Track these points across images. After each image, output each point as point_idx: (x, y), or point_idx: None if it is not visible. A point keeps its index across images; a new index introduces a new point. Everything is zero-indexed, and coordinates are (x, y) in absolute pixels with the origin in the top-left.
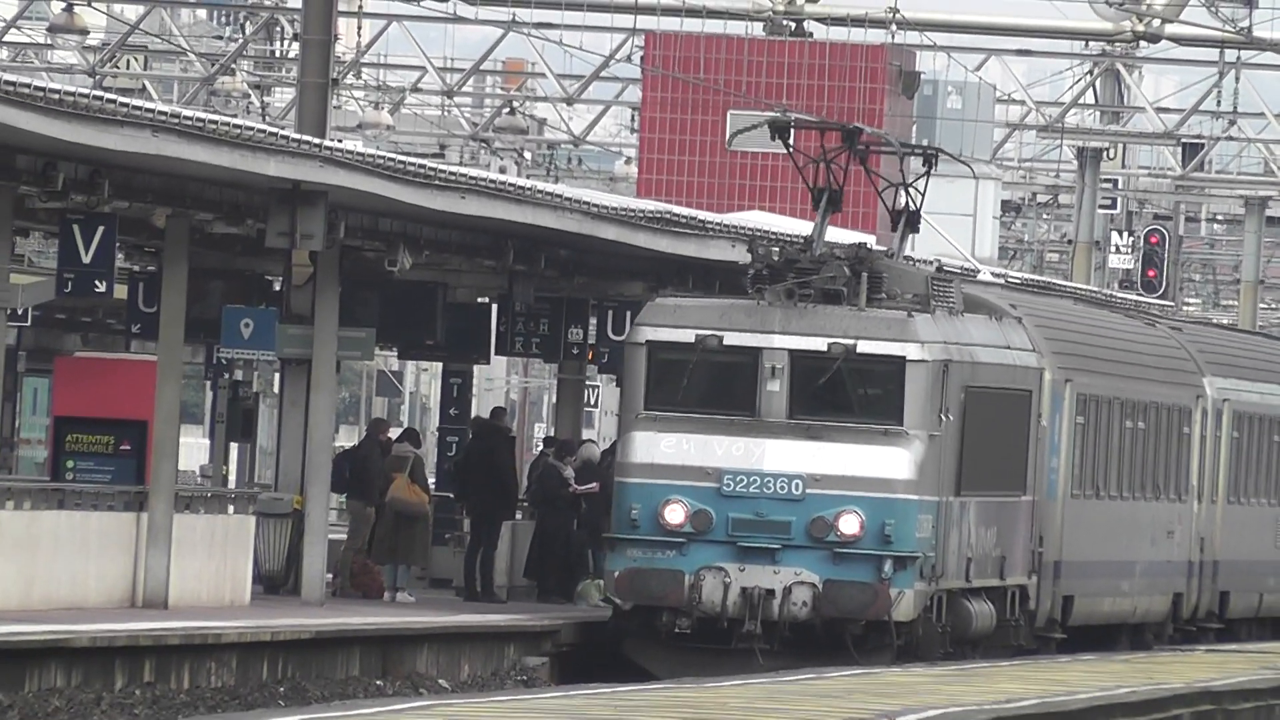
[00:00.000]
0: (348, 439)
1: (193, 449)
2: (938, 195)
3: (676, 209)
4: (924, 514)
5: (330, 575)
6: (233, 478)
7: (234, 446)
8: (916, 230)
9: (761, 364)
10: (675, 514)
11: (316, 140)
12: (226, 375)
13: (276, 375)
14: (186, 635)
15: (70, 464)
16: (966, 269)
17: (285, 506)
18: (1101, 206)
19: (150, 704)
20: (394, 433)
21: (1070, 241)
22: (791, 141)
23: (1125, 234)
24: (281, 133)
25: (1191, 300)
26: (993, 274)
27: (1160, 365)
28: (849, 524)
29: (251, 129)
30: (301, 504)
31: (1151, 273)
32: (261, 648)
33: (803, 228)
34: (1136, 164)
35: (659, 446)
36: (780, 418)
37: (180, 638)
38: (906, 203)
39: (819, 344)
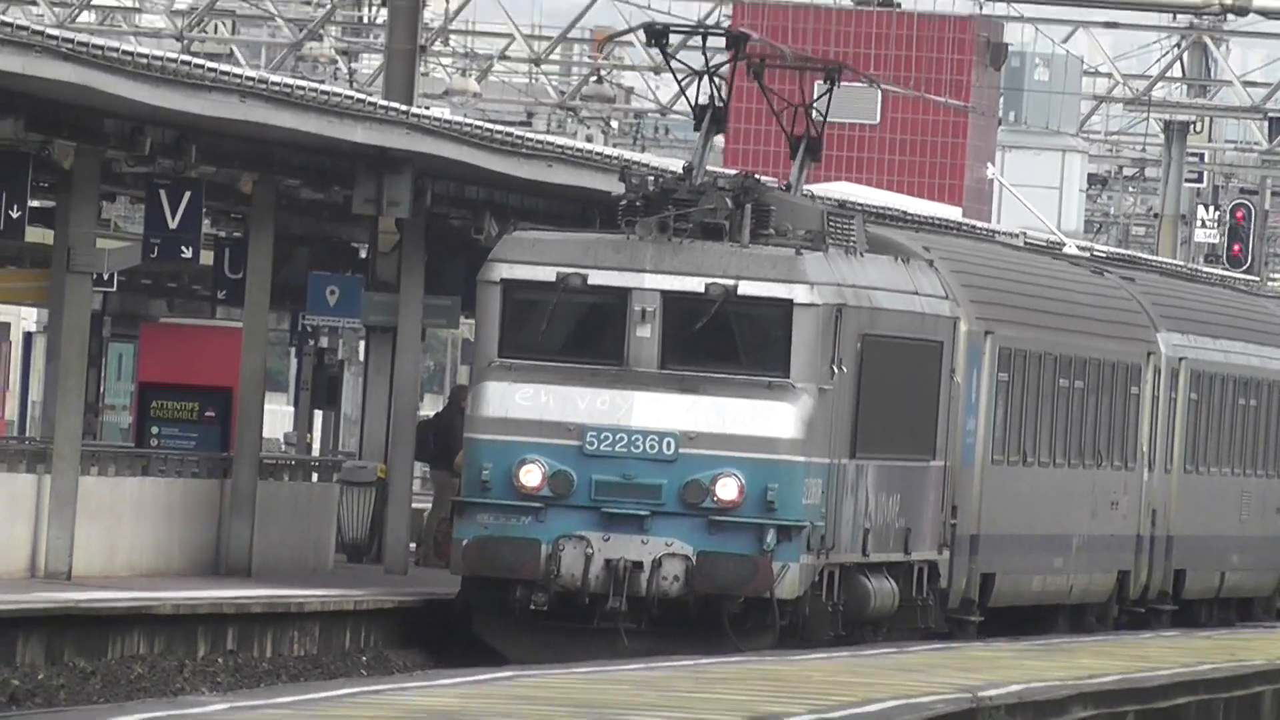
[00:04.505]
0: (432, 407)
1: (277, 416)
2: (1024, 167)
3: (764, 179)
4: (812, 478)
5: (413, 544)
6: (316, 445)
7: (318, 414)
8: (817, 159)
9: (630, 306)
10: (531, 476)
11: (403, 107)
12: (311, 342)
13: (361, 343)
14: (269, 603)
15: (155, 430)
16: (1052, 242)
17: (369, 475)
18: (1188, 180)
19: (232, 672)
20: None
21: (1156, 215)
22: (672, 50)
23: (1211, 208)
24: (368, 99)
25: (1278, 275)
26: (1078, 247)
27: (1104, 318)
28: (727, 489)
29: (338, 95)
30: (385, 472)
31: (1237, 248)
32: (344, 616)
33: (891, 200)
34: (1223, 138)
35: (514, 399)
36: (651, 367)
37: (263, 605)
38: (807, 126)
39: (695, 284)
